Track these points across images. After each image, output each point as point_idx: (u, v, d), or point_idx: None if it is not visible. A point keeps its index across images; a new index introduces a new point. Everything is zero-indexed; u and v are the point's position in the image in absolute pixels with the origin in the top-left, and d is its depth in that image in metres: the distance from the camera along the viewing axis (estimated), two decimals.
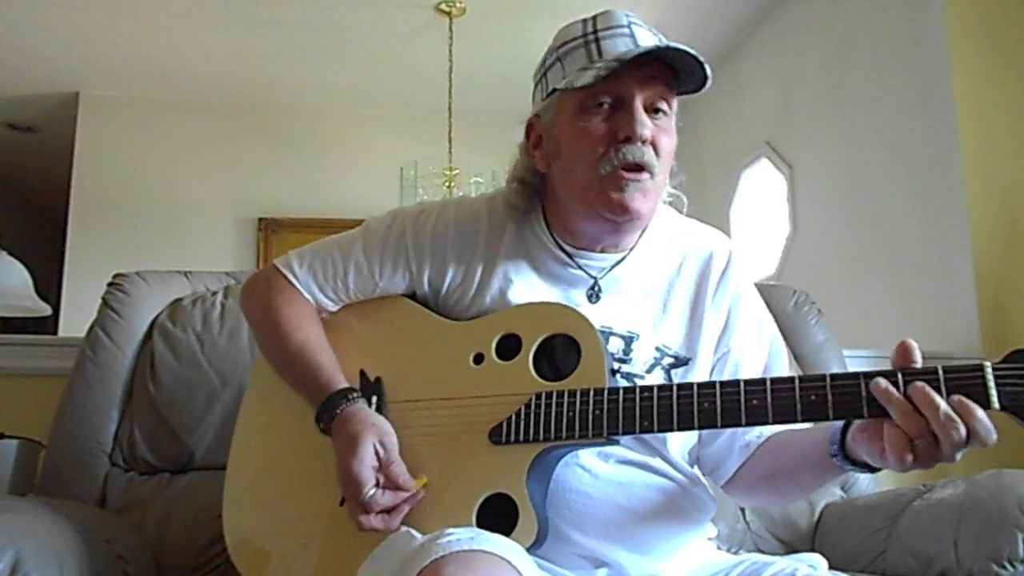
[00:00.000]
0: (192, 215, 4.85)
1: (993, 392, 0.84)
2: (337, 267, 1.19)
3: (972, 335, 2.45)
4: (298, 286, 1.20)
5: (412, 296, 1.20)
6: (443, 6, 4.00)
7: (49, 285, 4.36)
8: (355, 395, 1.08)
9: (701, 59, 1.01)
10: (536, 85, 1.14)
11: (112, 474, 1.57)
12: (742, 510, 1.71)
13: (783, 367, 1.20)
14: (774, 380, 0.93)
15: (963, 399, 0.83)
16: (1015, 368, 0.84)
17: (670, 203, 1.20)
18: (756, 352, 1.18)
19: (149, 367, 1.60)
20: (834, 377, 0.90)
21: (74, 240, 4.70)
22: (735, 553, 1.57)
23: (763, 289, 1.92)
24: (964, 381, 0.85)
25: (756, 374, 1.16)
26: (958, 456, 0.84)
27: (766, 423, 0.93)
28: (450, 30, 4.03)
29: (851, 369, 1.90)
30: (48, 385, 1.74)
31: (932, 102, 2.75)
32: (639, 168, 1.04)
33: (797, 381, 0.91)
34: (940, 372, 0.86)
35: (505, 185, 1.18)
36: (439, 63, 4.05)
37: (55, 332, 4.44)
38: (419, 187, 4.08)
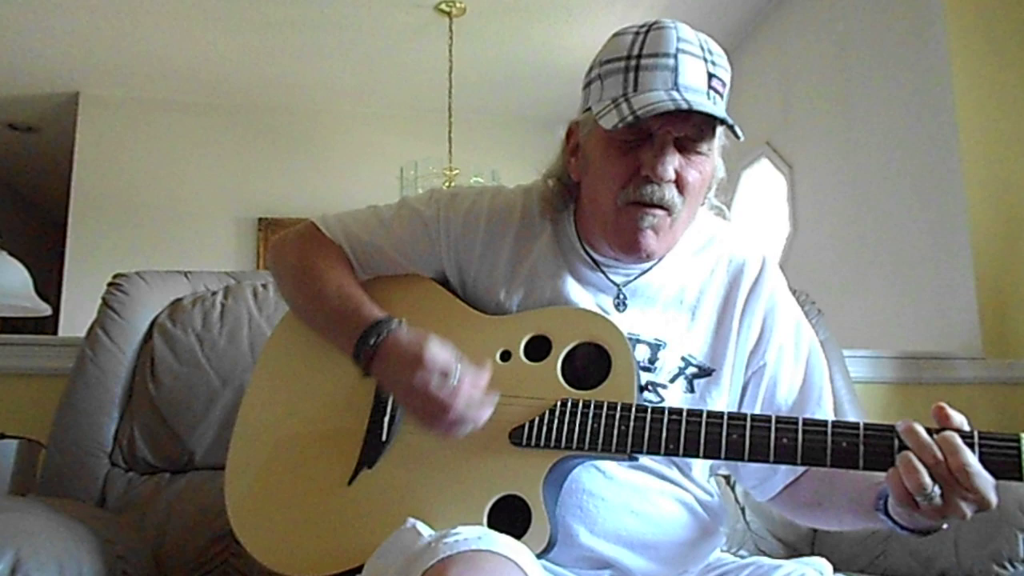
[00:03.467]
0: (192, 215, 4.85)
1: None
2: (372, 229, 1.18)
3: (972, 335, 2.45)
4: (332, 238, 1.19)
5: (443, 282, 1.17)
6: (443, 6, 4.00)
7: (49, 285, 4.35)
8: (403, 320, 1.05)
9: (731, 122, 1.01)
10: (583, 88, 1.09)
11: (112, 474, 1.57)
12: (742, 510, 1.71)
13: (823, 384, 1.15)
14: (807, 421, 0.92)
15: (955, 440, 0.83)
16: None
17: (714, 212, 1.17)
18: (793, 368, 1.14)
19: (149, 367, 1.60)
20: (868, 427, 0.90)
21: (74, 240, 4.70)
22: (734, 553, 1.57)
23: None
24: (997, 449, 0.84)
25: (792, 392, 1.13)
26: (968, 510, 0.84)
27: (794, 464, 0.92)
28: (450, 30, 4.03)
29: (850, 368, 1.92)
30: (48, 385, 1.74)
31: (932, 102, 2.75)
32: (656, 206, 1.02)
33: (830, 425, 0.91)
34: (975, 436, 0.85)
35: (541, 180, 1.16)
36: (439, 63, 4.05)
37: (55, 332, 4.45)
38: (419, 187, 4.07)
